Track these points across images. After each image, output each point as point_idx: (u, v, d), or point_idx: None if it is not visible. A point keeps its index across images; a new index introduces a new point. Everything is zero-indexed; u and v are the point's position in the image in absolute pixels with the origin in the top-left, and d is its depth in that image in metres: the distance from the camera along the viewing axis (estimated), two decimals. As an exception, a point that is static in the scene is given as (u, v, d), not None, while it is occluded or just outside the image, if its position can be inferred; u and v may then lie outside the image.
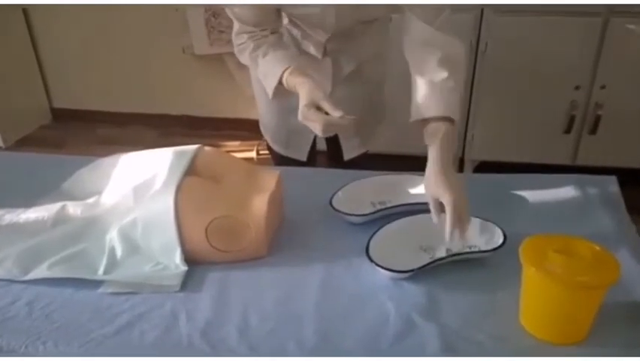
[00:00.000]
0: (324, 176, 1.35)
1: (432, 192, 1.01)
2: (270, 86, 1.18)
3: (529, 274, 0.83)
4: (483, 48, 2.17)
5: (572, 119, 2.20)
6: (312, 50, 1.29)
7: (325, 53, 1.29)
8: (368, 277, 0.99)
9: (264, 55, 1.19)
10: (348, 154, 1.51)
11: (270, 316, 0.92)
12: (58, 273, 1.01)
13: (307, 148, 1.47)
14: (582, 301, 0.81)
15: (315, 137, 1.47)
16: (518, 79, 2.21)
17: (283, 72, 1.15)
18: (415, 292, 0.95)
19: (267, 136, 1.54)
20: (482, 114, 2.30)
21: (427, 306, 0.92)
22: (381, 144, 2.42)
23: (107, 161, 1.26)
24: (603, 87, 2.14)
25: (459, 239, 0.97)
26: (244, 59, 1.26)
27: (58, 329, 0.91)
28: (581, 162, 2.29)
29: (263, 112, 1.50)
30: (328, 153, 1.58)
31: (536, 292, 0.83)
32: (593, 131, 2.21)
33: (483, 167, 2.44)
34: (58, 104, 3.31)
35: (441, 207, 0.99)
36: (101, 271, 1.03)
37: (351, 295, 0.96)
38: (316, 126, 1.03)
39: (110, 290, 0.98)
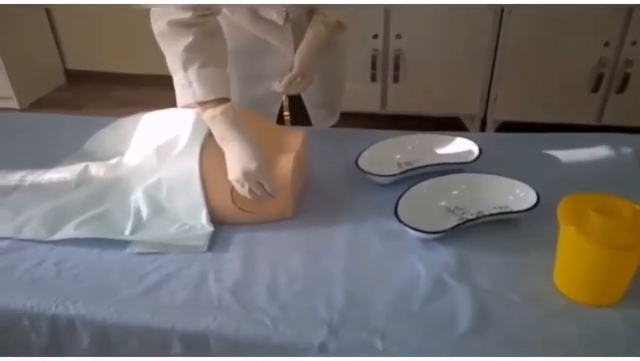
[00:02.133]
0: (348, 136, 1.33)
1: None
2: (190, 99, 0.99)
3: (568, 234, 0.80)
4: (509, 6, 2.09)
5: (599, 78, 2.13)
6: (273, 16, 1.22)
7: (287, 20, 1.22)
8: (396, 238, 0.97)
9: (204, 65, 0.97)
10: (317, 125, 1.46)
11: (298, 276, 0.91)
12: (85, 233, 1.01)
13: (274, 120, 1.41)
14: (621, 263, 0.78)
15: (282, 107, 1.42)
16: (544, 36, 2.13)
17: (221, 102, 0.99)
18: (445, 253, 0.94)
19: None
20: (506, 73, 2.23)
21: (457, 267, 0.90)
22: (394, 104, 2.42)
23: (128, 121, 1.24)
24: (634, 43, 2.06)
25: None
26: (170, 34, 0.98)
27: (88, 289, 0.91)
28: (607, 122, 2.23)
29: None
30: (294, 124, 1.51)
31: (574, 252, 0.81)
32: (622, 89, 2.13)
33: (505, 127, 2.38)
34: (72, 65, 3.28)
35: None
36: (127, 231, 1.02)
37: (380, 256, 0.94)
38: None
39: (137, 250, 0.98)
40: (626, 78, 2.11)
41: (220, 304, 0.86)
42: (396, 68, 2.31)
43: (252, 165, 0.96)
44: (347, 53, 1.44)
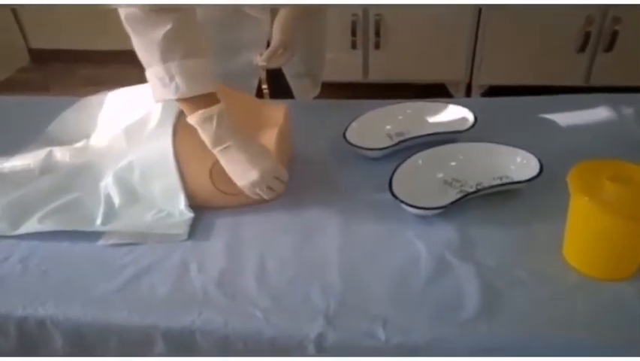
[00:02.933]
0: (334, 107, 1.25)
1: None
2: (172, 94, 0.85)
3: (580, 205, 0.74)
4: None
5: (586, 36, 2.06)
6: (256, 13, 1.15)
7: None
8: (392, 216, 0.90)
9: (187, 55, 0.84)
10: (299, 97, 1.37)
11: (289, 262, 0.84)
12: (51, 225, 0.92)
13: (253, 93, 1.31)
14: (638, 234, 0.73)
15: (260, 80, 1.33)
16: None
17: (208, 98, 0.87)
18: (445, 229, 0.87)
19: None
20: (490, 35, 2.15)
21: (459, 244, 0.84)
22: (377, 73, 2.33)
23: (92, 100, 1.14)
24: (622, -1, 1.99)
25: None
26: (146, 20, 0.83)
27: (58, 287, 0.82)
28: (594, 82, 2.18)
29: None
30: (274, 98, 1.42)
31: (587, 224, 0.75)
32: (609, 48, 2.08)
33: (491, 92, 2.32)
34: (36, 44, 3.10)
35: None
36: (98, 221, 0.93)
37: (376, 235, 0.88)
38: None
39: (110, 242, 0.90)
40: (614, 36, 2.05)
41: (205, 297, 0.79)
42: (377, 33, 2.21)
43: (267, 163, 0.89)
44: (326, 18, 1.35)
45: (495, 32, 2.14)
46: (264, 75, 1.39)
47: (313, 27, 1.30)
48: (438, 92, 2.41)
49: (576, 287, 0.76)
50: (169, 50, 0.83)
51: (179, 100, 0.87)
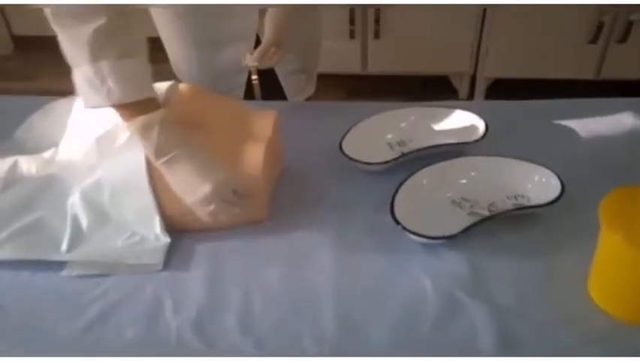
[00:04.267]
0: (329, 110, 1.13)
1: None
2: (104, 100, 0.74)
3: (613, 242, 0.64)
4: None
5: (599, 27, 1.94)
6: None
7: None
8: (394, 243, 0.80)
9: (122, 55, 0.72)
10: (292, 96, 1.25)
11: (277, 299, 0.74)
12: (11, 253, 0.82)
13: (241, 92, 1.20)
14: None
15: (250, 77, 1.21)
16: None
17: (147, 105, 0.75)
18: (453, 260, 0.77)
19: (184, 80, 1.18)
20: (497, 25, 2.02)
21: (471, 279, 0.74)
22: (376, 64, 2.20)
23: (59, 105, 1.03)
24: (638, -13, 1.87)
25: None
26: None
27: (15, 327, 0.73)
28: (605, 75, 2.06)
29: (176, 52, 1.16)
30: (264, 97, 1.30)
31: (620, 263, 0.65)
32: (623, 39, 1.95)
33: (497, 85, 2.20)
34: (19, 31, 2.96)
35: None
36: (63, 246, 0.83)
37: (376, 268, 0.77)
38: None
39: (75, 272, 0.80)
40: (628, 26, 1.92)
41: (180, 342, 0.69)
42: (377, 21, 2.08)
43: (221, 175, 0.77)
44: (321, 7, 1.23)
45: (502, 21, 2.01)
46: (254, 68, 1.27)
47: (308, 19, 1.18)
48: (440, 84, 2.29)
49: (606, 333, 0.66)
50: (101, 47, 0.71)
51: (114, 107, 0.75)
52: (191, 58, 1.14)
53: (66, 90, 1.05)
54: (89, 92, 0.74)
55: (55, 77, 2.67)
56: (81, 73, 0.73)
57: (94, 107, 0.76)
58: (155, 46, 1.18)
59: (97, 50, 0.71)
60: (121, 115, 0.76)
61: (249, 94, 1.24)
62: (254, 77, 1.27)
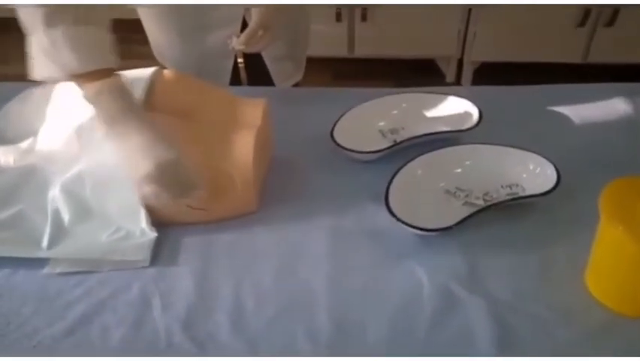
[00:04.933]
0: (319, 97, 1.10)
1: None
2: (57, 69, 0.70)
3: (613, 235, 0.63)
4: None
5: (587, 10, 1.93)
6: None
7: None
8: (388, 235, 0.78)
9: (78, 21, 0.68)
10: (280, 82, 1.21)
11: (269, 296, 0.71)
12: (-12, 250, 0.78)
13: (227, 77, 1.15)
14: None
15: (236, 63, 1.17)
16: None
17: (104, 74, 0.71)
18: (449, 253, 0.76)
19: (168, 64, 1.14)
20: (485, 8, 2.00)
21: (467, 272, 0.73)
22: (363, 47, 2.16)
23: (36, 92, 0.98)
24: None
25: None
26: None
27: (-6, 329, 0.69)
28: (592, 59, 2.05)
29: (159, 37, 1.12)
30: (250, 80, 1.27)
31: (620, 256, 0.64)
32: (611, 22, 1.94)
33: (484, 69, 2.19)
34: (-8, 11, 2.85)
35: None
36: (44, 242, 0.79)
37: (370, 261, 0.75)
38: None
39: (58, 270, 0.76)
40: (616, 10, 1.91)
41: (169, 343, 0.66)
42: (364, 4, 2.05)
43: (168, 154, 0.71)
44: None
45: (489, 5, 1.99)
46: (239, 52, 1.23)
47: (296, 4, 1.14)
48: (427, 68, 2.26)
49: (605, 327, 0.66)
50: (56, 11, 0.67)
51: (69, 77, 0.71)
52: (175, 43, 1.09)
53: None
54: (41, 60, 0.70)
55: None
56: (34, 40, 0.69)
57: (48, 79, 0.72)
58: (136, 27, 1.14)
59: (51, 15, 0.66)
60: (77, 83, 0.72)
61: (235, 80, 1.20)
62: (240, 60, 1.23)
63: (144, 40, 1.18)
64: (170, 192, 0.73)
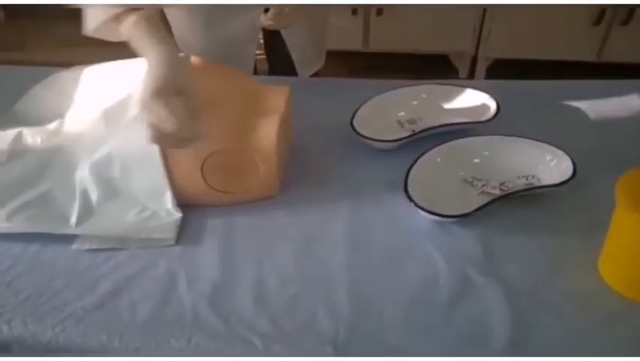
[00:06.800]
0: (340, 87, 1.12)
1: None
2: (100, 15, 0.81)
3: (631, 222, 0.64)
4: None
5: (603, 9, 1.93)
6: None
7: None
8: (407, 220, 0.81)
9: None
10: (302, 69, 1.23)
11: (291, 275, 0.74)
12: (20, 226, 0.80)
13: (251, 61, 1.17)
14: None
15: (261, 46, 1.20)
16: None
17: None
18: (465, 239, 0.78)
19: (191, 53, 1.17)
20: (501, 6, 2.01)
21: (483, 258, 0.75)
22: (377, 41, 2.17)
23: (65, 76, 1.00)
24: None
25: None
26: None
27: (26, 302, 0.72)
28: (606, 58, 2.06)
29: (181, 26, 1.14)
30: (272, 70, 1.29)
31: (635, 243, 0.65)
32: (626, 21, 1.95)
33: (497, 66, 2.19)
34: (10, -2, 2.89)
35: None
36: (73, 220, 0.82)
37: (389, 245, 0.78)
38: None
39: (86, 246, 0.79)
40: (632, 8, 1.92)
41: (196, 318, 0.69)
42: (380, -2, 2.06)
43: (184, 81, 0.74)
44: None
45: (505, 2, 2.00)
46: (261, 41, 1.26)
47: None
48: (441, 63, 2.28)
49: (618, 313, 0.67)
50: None
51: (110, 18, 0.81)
52: (199, 31, 1.12)
53: (59, 62, 1.03)
54: (91, 13, 0.82)
55: (46, 49, 2.63)
56: None
57: (98, 30, 0.84)
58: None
59: None
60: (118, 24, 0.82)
61: (257, 66, 1.22)
62: (259, 51, 1.25)
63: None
64: (170, 120, 0.69)
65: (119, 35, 0.84)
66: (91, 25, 0.85)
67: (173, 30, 1.18)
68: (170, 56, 0.76)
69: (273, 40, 1.13)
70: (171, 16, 1.15)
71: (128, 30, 0.80)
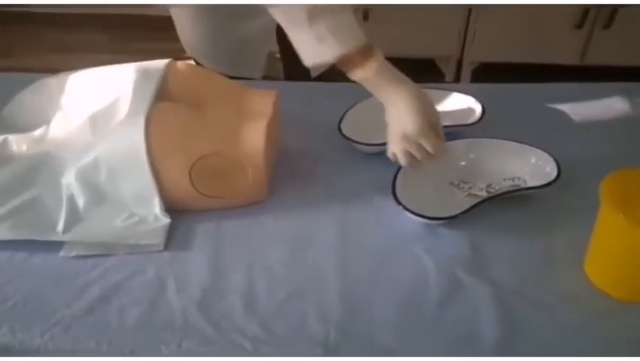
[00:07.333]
0: (325, 91, 1.12)
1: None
2: (326, 54, 0.80)
3: (614, 222, 0.65)
4: None
5: (585, 11, 1.97)
6: None
7: None
8: (395, 223, 0.81)
9: (334, 11, 0.78)
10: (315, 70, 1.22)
11: (281, 279, 0.74)
12: (6, 233, 0.80)
13: (263, 61, 1.18)
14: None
15: (274, 47, 1.18)
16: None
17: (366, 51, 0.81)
18: (454, 240, 0.78)
19: (200, 56, 1.18)
20: (485, 10, 2.03)
21: (471, 259, 0.76)
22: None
23: (51, 82, 0.99)
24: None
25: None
26: None
27: (13, 309, 0.71)
28: (589, 61, 2.09)
29: (189, 28, 1.15)
30: (287, 69, 1.27)
31: (619, 243, 0.66)
32: (608, 24, 1.98)
33: (482, 69, 2.22)
34: (-5, 4, 2.86)
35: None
36: (60, 227, 0.81)
37: (378, 248, 0.78)
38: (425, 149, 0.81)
39: (74, 253, 0.78)
40: (613, 12, 1.95)
41: (185, 323, 0.69)
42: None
43: (434, 113, 0.82)
44: None
45: (489, 6, 2.02)
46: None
47: None
48: (427, 67, 2.29)
49: (605, 312, 0.68)
50: (316, 10, 0.77)
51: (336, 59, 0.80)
52: (209, 33, 1.11)
53: (46, 68, 1.02)
54: (311, 51, 0.80)
55: (34, 54, 2.60)
56: (300, 35, 0.80)
57: (318, 65, 0.83)
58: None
59: (314, 13, 0.76)
60: (342, 67, 0.82)
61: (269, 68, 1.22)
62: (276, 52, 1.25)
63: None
64: (429, 142, 0.79)
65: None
66: (310, 62, 0.83)
67: (180, 36, 1.17)
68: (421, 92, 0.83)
69: (287, 40, 1.14)
70: (179, 21, 1.15)
71: (365, 76, 0.82)
